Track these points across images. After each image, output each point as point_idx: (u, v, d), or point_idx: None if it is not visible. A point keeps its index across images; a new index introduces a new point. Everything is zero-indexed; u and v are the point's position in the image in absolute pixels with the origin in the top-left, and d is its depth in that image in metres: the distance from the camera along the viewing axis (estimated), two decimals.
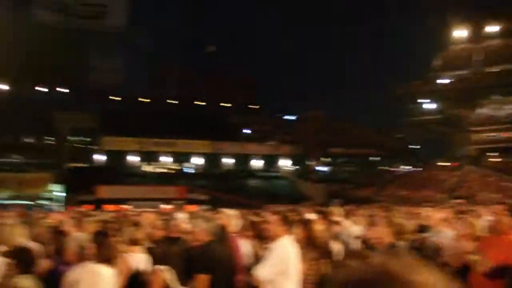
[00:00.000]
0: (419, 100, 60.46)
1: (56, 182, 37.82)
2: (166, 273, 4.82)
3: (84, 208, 24.18)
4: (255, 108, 56.04)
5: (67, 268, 5.57)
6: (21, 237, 6.01)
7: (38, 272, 4.99)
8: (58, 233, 6.79)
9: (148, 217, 8.49)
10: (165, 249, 5.68)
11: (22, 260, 4.66)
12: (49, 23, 41.40)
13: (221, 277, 5.39)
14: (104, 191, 36.57)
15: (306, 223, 6.32)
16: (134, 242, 6.18)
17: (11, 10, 33.36)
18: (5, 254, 5.55)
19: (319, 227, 6.38)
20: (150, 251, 6.06)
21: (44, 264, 5.54)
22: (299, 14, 65.60)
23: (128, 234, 6.21)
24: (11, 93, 40.70)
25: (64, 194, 37.39)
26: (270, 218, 5.91)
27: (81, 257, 5.10)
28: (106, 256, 4.89)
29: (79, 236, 5.55)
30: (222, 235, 5.87)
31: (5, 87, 40.86)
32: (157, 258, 5.68)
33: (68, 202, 34.01)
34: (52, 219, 10.33)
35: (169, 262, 5.14)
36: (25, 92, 40.65)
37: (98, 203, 31.69)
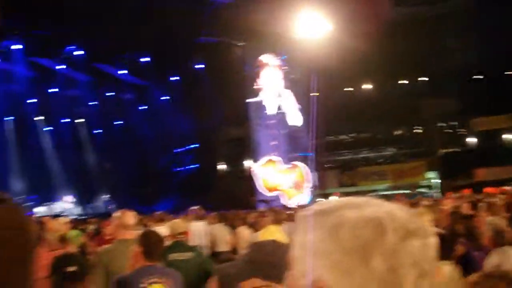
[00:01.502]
0: None
1: (431, 169, 38.23)
2: None
3: (464, 192, 23.76)
4: None
5: (481, 253, 5.56)
6: (428, 223, 6.27)
7: (452, 257, 5.12)
8: (463, 218, 6.85)
9: None
10: None
11: (444, 245, 4.83)
12: (408, 17, 42.17)
13: None
14: (482, 173, 35.13)
15: None
16: None
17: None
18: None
19: None
20: None
21: (456, 249, 5.66)
22: None
23: None
24: (375, 91, 42.86)
25: (439, 181, 37.42)
26: None
27: (498, 242, 5.03)
28: None
29: (492, 220, 5.48)
30: None
31: (369, 86, 43.28)
32: None
33: (445, 187, 33.85)
34: (445, 204, 10.46)
35: None
36: (388, 87, 42.27)
37: (477, 187, 30.64)
